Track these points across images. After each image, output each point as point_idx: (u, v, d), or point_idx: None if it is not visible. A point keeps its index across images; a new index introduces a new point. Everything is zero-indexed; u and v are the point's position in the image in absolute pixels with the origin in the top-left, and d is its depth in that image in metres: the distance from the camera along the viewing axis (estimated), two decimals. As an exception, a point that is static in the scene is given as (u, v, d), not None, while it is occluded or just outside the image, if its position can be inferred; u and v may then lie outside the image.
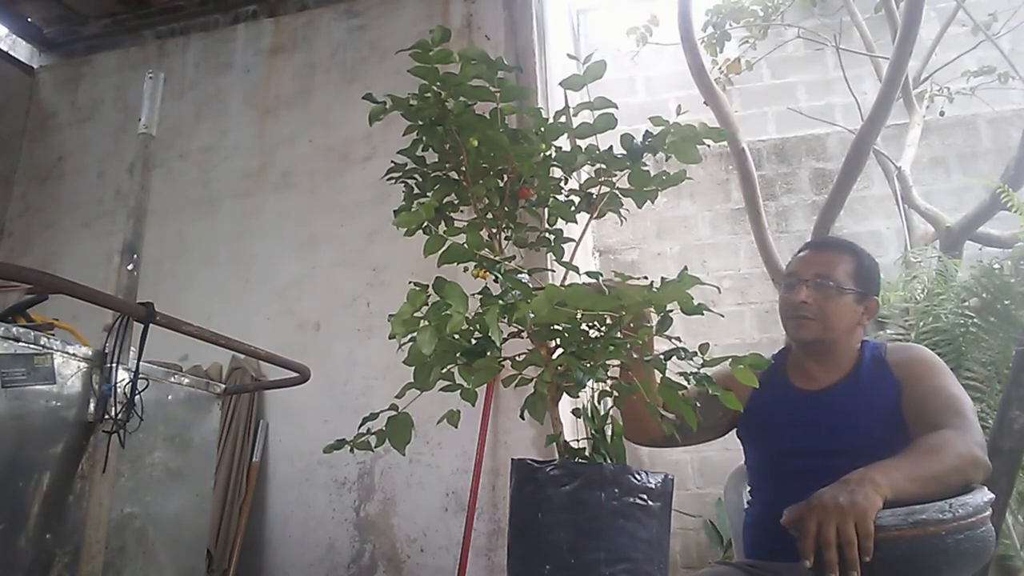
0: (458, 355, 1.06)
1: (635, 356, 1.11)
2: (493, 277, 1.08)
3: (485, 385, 1.56)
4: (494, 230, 1.25)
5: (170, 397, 1.81)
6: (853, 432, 1.36)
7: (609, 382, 1.14)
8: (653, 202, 1.28)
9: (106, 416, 1.51)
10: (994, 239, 3.42)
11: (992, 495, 1.10)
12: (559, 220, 1.33)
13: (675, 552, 3.65)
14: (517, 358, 1.14)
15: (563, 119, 1.23)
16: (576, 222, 1.35)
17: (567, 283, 1.02)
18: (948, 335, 2.83)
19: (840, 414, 1.39)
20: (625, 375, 1.19)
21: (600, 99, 1.15)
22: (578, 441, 2.82)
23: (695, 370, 1.06)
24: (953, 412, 1.27)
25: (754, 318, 3.99)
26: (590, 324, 1.07)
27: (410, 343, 0.99)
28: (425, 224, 1.18)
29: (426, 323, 0.97)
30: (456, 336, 1.03)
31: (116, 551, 1.58)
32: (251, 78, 3.61)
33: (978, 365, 2.70)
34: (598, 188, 1.27)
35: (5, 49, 3.98)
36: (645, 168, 1.21)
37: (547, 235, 1.34)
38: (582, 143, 1.23)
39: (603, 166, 1.23)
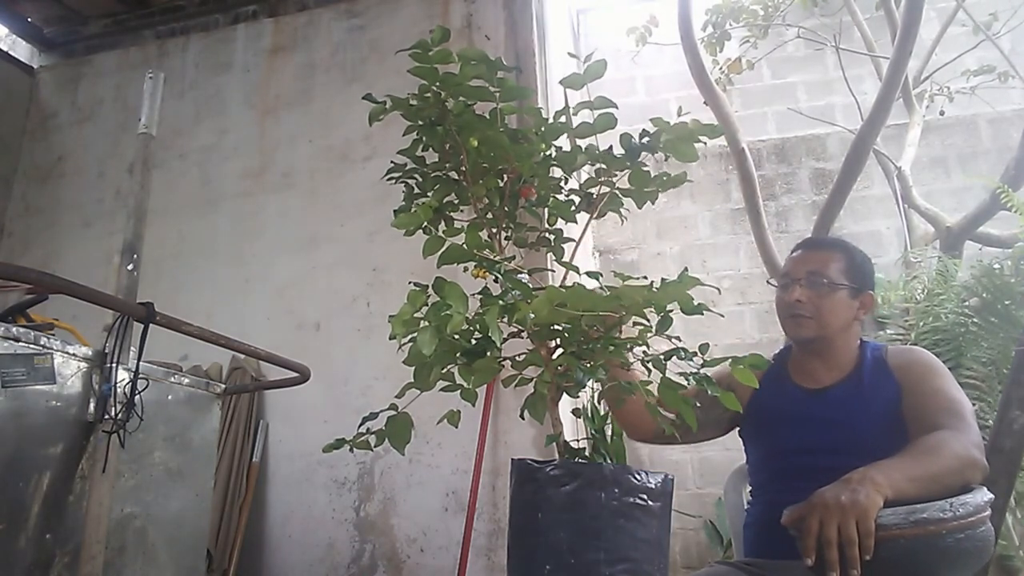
0: (458, 355, 1.06)
1: (623, 365, 1.12)
2: (493, 277, 1.08)
3: (485, 385, 1.56)
4: (494, 230, 1.25)
5: (170, 397, 1.81)
6: (854, 431, 1.37)
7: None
8: (653, 203, 1.28)
9: (106, 416, 1.51)
10: (994, 239, 3.42)
11: (991, 495, 1.10)
12: (559, 220, 1.33)
13: (675, 552, 3.65)
14: (517, 358, 1.14)
15: (563, 119, 1.23)
16: (576, 222, 1.35)
17: (567, 283, 1.02)
18: (948, 334, 2.83)
19: (842, 413, 1.40)
20: (616, 373, 1.19)
21: (600, 99, 1.15)
22: (578, 441, 2.83)
23: (695, 370, 1.06)
24: (952, 414, 1.28)
25: (754, 318, 3.99)
26: (590, 324, 1.07)
27: (410, 343, 0.99)
28: (425, 224, 1.18)
29: (426, 323, 0.97)
30: (456, 336, 1.03)
31: (116, 551, 1.58)
32: (251, 78, 3.61)
33: (977, 364, 2.70)
34: (598, 188, 1.27)
35: (5, 49, 3.98)
36: (645, 168, 1.21)
37: (547, 235, 1.34)
38: (582, 143, 1.23)
39: (603, 166, 1.23)
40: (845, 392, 1.43)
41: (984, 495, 1.08)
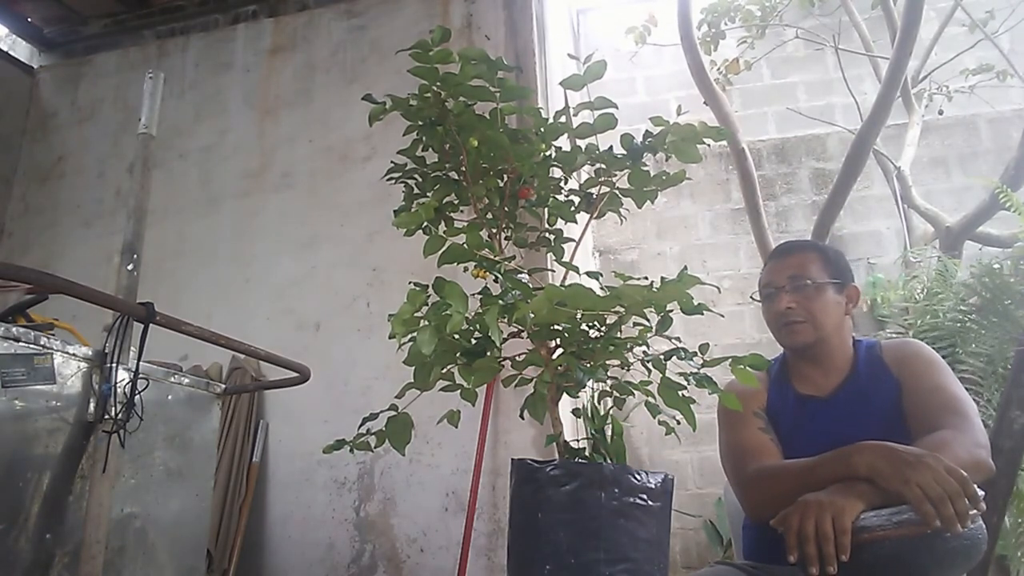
0: (458, 355, 1.06)
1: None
2: (493, 277, 1.08)
3: (485, 385, 1.56)
4: (494, 230, 1.25)
5: (170, 397, 1.81)
6: (858, 438, 1.36)
7: (609, 382, 1.15)
8: (653, 202, 1.28)
9: (106, 416, 1.51)
10: (994, 239, 3.43)
11: (982, 492, 1.10)
12: (559, 220, 1.34)
13: (675, 552, 3.65)
14: (517, 358, 1.14)
15: (563, 119, 1.23)
16: (576, 222, 1.35)
17: (567, 283, 1.02)
18: (946, 331, 2.84)
19: (845, 422, 1.38)
20: None
21: (600, 99, 1.15)
22: (578, 441, 2.83)
23: (695, 370, 1.06)
24: (954, 412, 1.26)
25: (754, 318, 3.99)
26: (590, 324, 1.07)
27: (410, 343, 0.99)
28: (425, 224, 1.18)
29: (426, 323, 0.97)
30: (456, 336, 1.03)
31: (116, 551, 1.58)
32: (251, 78, 3.61)
33: (974, 359, 2.70)
34: (598, 188, 1.27)
35: (5, 49, 3.98)
36: (645, 168, 1.21)
37: (547, 235, 1.35)
38: (582, 143, 1.23)
39: (603, 166, 1.23)
40: (846, 397, 1.42)
41: None
